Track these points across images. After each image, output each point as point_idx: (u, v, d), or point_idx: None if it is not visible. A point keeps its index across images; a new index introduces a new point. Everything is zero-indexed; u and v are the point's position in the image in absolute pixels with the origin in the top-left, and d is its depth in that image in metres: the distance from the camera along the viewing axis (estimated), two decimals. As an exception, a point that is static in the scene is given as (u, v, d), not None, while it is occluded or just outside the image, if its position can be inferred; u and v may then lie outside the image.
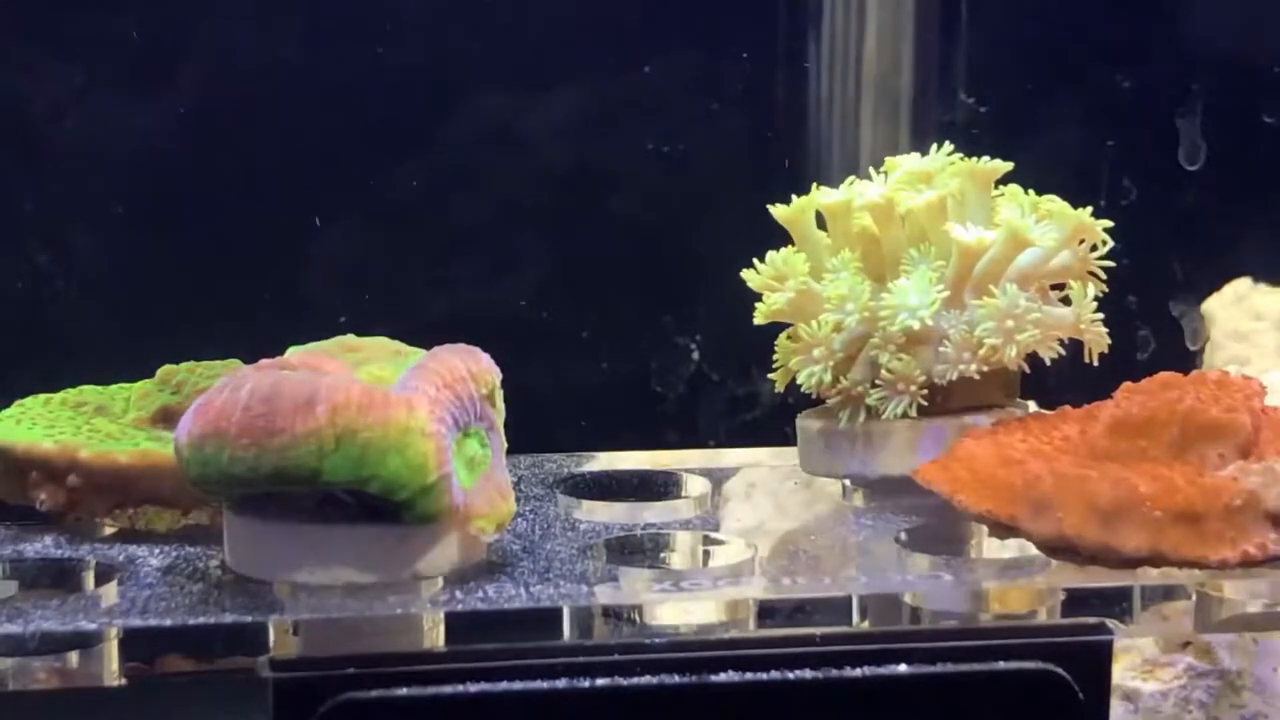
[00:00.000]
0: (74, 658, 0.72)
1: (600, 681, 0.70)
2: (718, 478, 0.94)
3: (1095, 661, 0.73)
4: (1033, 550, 0.78)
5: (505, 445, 0.80)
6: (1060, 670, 0.72)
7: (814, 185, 0.91)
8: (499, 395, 0.79)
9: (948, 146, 0.91)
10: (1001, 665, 0.72)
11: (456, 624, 0.74)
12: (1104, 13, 1.22)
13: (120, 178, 1.16)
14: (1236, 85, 1.22)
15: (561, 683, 0.70)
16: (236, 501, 0.76)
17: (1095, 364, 0.87)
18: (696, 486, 0.91)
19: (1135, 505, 0.74)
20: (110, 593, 0.75)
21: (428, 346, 0.80)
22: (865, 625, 0.77)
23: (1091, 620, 0.76)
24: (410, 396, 0.74)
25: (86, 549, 0.82)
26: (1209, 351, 1.11)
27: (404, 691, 0.69)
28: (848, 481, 0.91)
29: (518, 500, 0.81)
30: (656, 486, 0.92)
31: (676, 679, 0.71)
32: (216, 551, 0.80)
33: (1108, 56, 1.22)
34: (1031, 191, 0.89)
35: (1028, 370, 0.88)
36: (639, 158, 1.20)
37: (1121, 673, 1.00)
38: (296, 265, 1.18)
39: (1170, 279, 1.22)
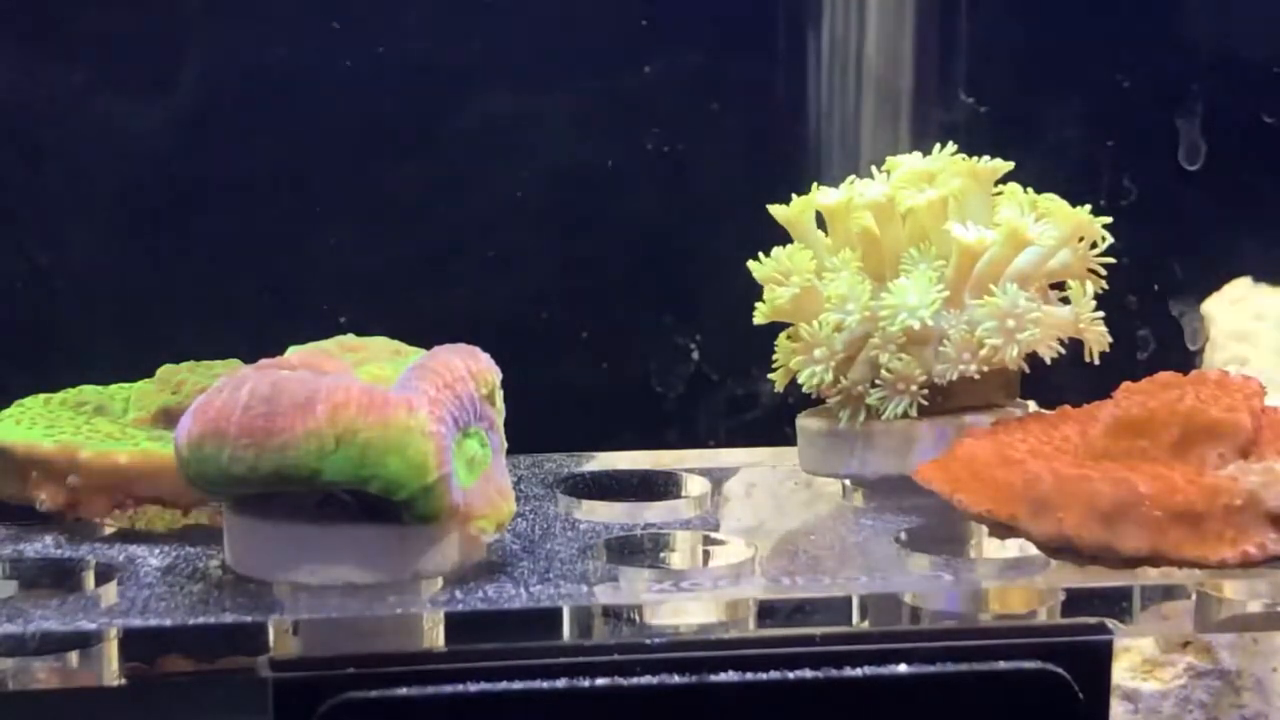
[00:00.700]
0: (74, 658, 0.72)
1: (600, 681, 0.70)
2: (718, 478, 0.94)
3: (1095, 661, 0.73)
4: (1033, 550, 0.78)
5: (505, 445, 0.80)
6: (1060, 670, 0.72)
7: (814, 185, 0.91)
8: (499, 395, 0.79)
9: (951, 146, 0.91)
10: (1001, 665, 0.72)
11: (456, 624, 0.74)
12: (1104, 13, 1.22)
13: (121, 178, 1.16)
14: (1236, 85, 1.22)
15: (561, 683, 0.70)
16: (236, 501, 0.76)
17: (1095, 363, 0.87)
18: (696, 486, 0.91)
19: (1135, 505, 0.74)
20: (110, 593, 0.75)
21: (428, 346, 0.80)
22: (865, 625, 0.77)
23: (1091, 620, 0.76)
24: (410, 396, 0.74)
25: (86, 549, 0.82)
26: (1209, 351, 1.11)
27: (404, 691, 0.69)
28: (848, 481, 0.91)
29: (518, 500, 0.81)
30: (656, 486, 0.92)
31: (676, 679, 0.71)
32: (216, 551, 0.80)
33: (1108, 56, 1.22)
34: (1030, 190, 0.89)
35: (1028, 370, 0.88)
36: (639, 158, 1.20)
37: (1121, 673, 1.00)
38: (296, 265, 1.18)
39: (1170, 279, 1.22)
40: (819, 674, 0.71)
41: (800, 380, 0.89)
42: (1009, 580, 0.78)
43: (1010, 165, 0.89)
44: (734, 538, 0.83)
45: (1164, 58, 1.22)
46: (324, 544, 0.74)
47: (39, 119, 1.15)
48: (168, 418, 0.87)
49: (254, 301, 1.17)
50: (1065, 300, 0.88)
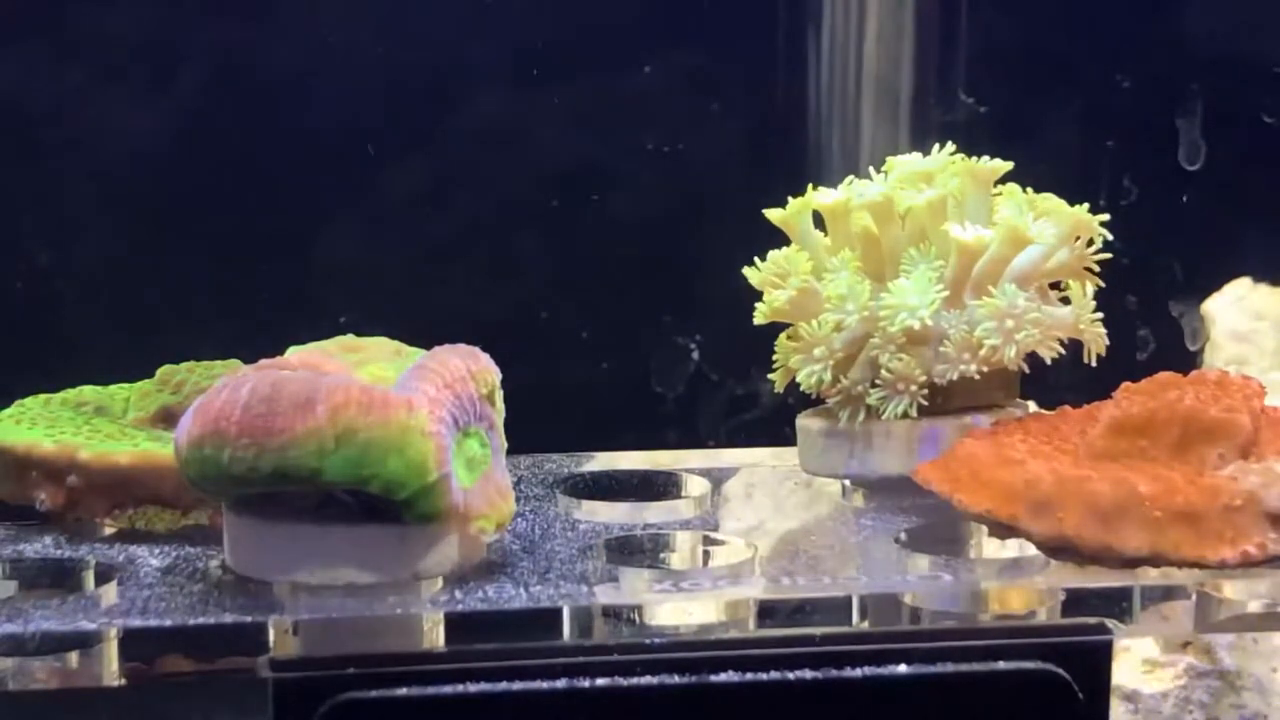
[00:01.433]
0: (74, 658, 0.72)
1: (600, 681, 0.70)
2: (718, 478, 0.94)
3: (1095, 661, 0.73)
4: (1033, 550, 0.78)
5: (505, 445, 0.80)
6: (1060, 670, 0.72)
7: (810, 186, 0.91)
8: (499, 395, 0.79)
9: (950, 147, 0.91)
10: (1001, 665, 0.72)
11: (456, 624, 0.74)
12: (1104, 13, 1.22)
13: (121, 178, 1.16)
14: (1236, 85, 1.22)
15: (561, 683, 0.70)
16: (236, 501, 0.76)
17: (1094, 364, 0.87)
18: (696, 486, 0.91)
19: (1135, 505, 0.74)
20: (110, 593, 0.75)
21: (428, 346, 0.80)
22: (865, 625, 0.77)
23: (1091, 620, 0.76)
24: (410, 396, 0.74)
25: (86, 549, 0.82)
26: (1209, 351, 1.11)
27: (404, 691, 0.69)
28: (848, 481, 0.91)
29: (518, 500, 0.81)
30: (656, 486, 0.92)
31: (676, 679, 0.71)
32: (216, 551, 0.80)
33: (1108, 56, 1.22)
34: (1029, 190, 0.89)
35: (1027, 370, 0.88)
36: (639, 158, 1.20)
37: (1121, 673, 1.00)
38: (296, 265, 1.18)
39: (1170, 279, 1.22)
40: (819, 674, 0.71)
41: (800, 380, 0.89)
42: (1009, 580, 0.78)
43: (1009, 165, 0.89)
44: (734, 538, 0.83)
45: (1164, 58, 1.22)
46: (324, 544, 0.74)
47: (39, 119, 1.15)
48: (168, 418, 0.87)
49: (254, 301, 1.17)
50: (1065, 300, 0.88)
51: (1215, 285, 1.14)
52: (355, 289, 1.18)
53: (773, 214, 0.91)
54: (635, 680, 0.70)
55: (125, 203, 1.16)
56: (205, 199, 1.16)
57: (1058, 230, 0.87)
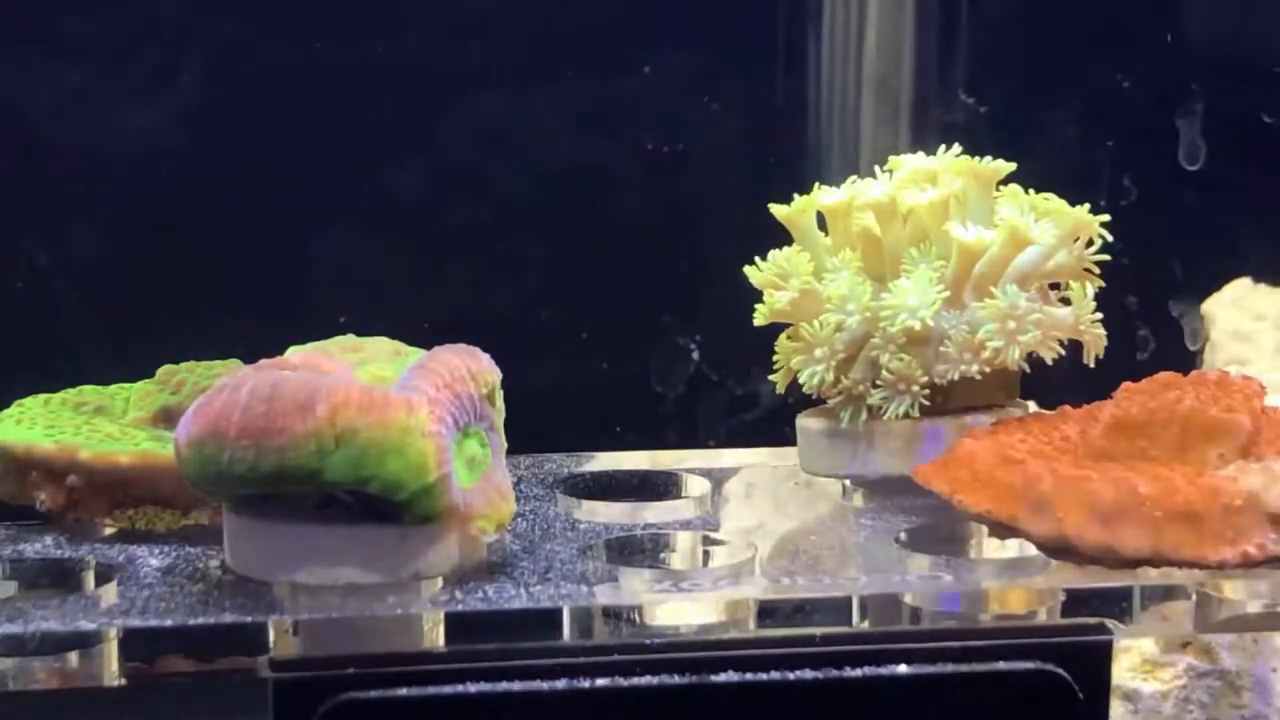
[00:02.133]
0: (74, 658, 0.72)
1: (600, 681, 0.70)
2: (718, 478, 0.94)
3: (1095, 661, 0.73)
4: (1033, 550, 0.78)
5: (505, 445, 0.80)
6: (1060, 670, 0.72)
7: (815, 185, 0.91)
8: (499, 395, 0.79)
9: (956, 148, 0.90)
10: (1001, 665, 0.72)
11: (456, 624, 0.74)
12: (1104, 13, 1.22)
13: (120, 177, 1.16)
14: (1236, 85, 1.22)
15: (561, 683, 0.70)
16: (236, 501, 0.76)
17: (1094, 365, 0.87)
18: (696, 487, 0.91)
19: (1135, 505, 0.74)
20: (110, 593, 0.75)
21: (428, 346, 0.80)
22: (865, 625, 0.77)
23: (1091, 620, 0.76)
24: (410, 396, 0.74)
25: (86, 549, 0.82)
26: (1209, 351, 1.11)
27: (404, 691, 0.69)
28: (848, 481, 0.91)
29: (518, 500, 0.81)
30: (656, 486, 0.92)
31: (676, 679, 0.71)
32: (216, 551, 0.80)
33: (1108, 56, 1.22)
34: (1030, 191, 0.89)
35: (1028, 370, 0.88)
36: (639, 158, 1.20)
37: (1121, 673, 1.00)
38: (296, 265, 1.18)
39: (1170, 279, 1.22)
40: (819, 674, 0.71)
41: (800, 380, 0.89)
42: (1009, 580, 0.78)
43: (1012, 166, 0.89)
44: (734, 538, 0.83)
45: (1164, 58, 1.22)
46: (324, 544, 0.74)
47: (39, 119, 1.15)
48: (168, 418, 0.87)
49: (254, 301, 1.17)
50: (1065, 300, 0.88)
51: (1215, 285, 1.14)
52: (355, 289, 1.18)
53: (778, 210, 0.91)
54: (635, 680, 0.70)
55: (125, 203, 1.16)
56: (205, 199, 1.16)
57: (1058, 231, 0.87)
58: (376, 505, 0.74)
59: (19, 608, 0.73)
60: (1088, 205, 0.88)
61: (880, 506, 0.88)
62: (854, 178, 0.91)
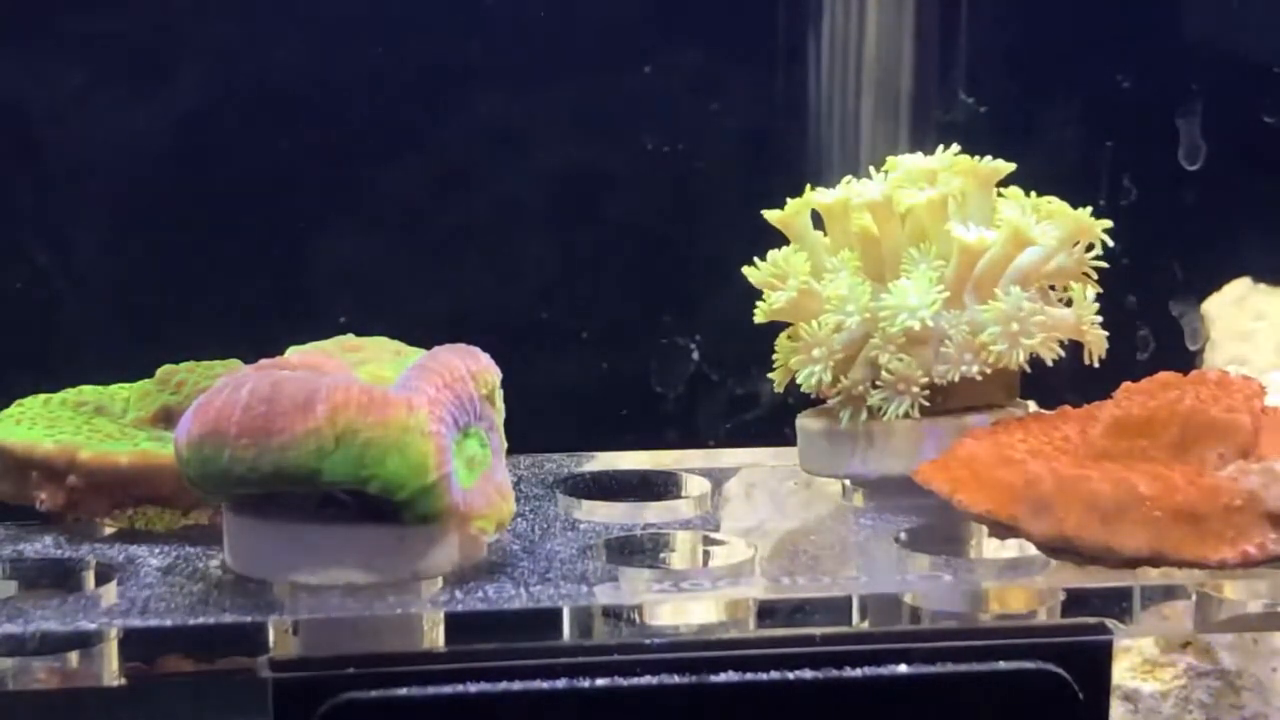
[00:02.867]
0: (74, 658, 0.72)
1: (600, 681, 0.70)
2: (718, 478, 0.94)
3: (1095, 661, 0.73)
4: (1033, 550, 0.78)
5: (505, 445, 0.80)
6: (1060, 670, 0.72)
7: (808, 187, 0.91)
8: (499, 395, 0.79)
9: (955, 147, 0.90)
10: (1001, 665, 0.72)
11: (456, 624, 0.74)
12: (1104, 13, 1.22)
13: (120, 178, 1.16)
14: (1236, 85, 1.22)
15: (561, 683, 0.70)
16: (236, 501, 0.76)
17: (1095, 365, 0.87)
18: (696, 486, 0.91)
19: (1135, 505, 0.74)
20: (110, 593, 0.75)
21: (428, 346, 0.80)
22: (865, 625, 0.77)
23: (1091, 620, 0.76)
24: (410, 396, 0.74)
25: (86, 549, 0.82)
26: (1209, 351, 1.11)
27: (404, 691, 0.69)
28: (848, 481, 0.91)
29: (518, 500, 0.81)
30: (656, 486, 0.92)
31: (676, 679, 0.71)
32: (216, 551, 0.80)
33: (1108, 56, 1.22)
34: (1033, 193, 0.89)
35: (1028, 370, 0.88)
36: (639, 158, 1.20)
37: (1121, 673, 1.00)
38: (296, 265, 1.18)
39: (1170, 279, 1.22)
40: (819, 674, 0.71)
41: (799, 381, 0.89)
42: (1009, 580, 0.78)
43: (1011, 166, 0.89)
44: (734, 538, 0.83)
45: (1164, 58, 1.22)
46: (324, 544, 0.74)
47: (39, 119, 1.15)
48: (168, 418, 0.87)
49: (254, 301, 1.17)
50: (1065, 302, 0.88)
51: (1215, 285, 1.14)
52: (355, 289, 1.18)
53: (772, 215, 0.91)
54: (635, 680, 0.70)
55: (125, 203, 1.16)
56: (205, 199, 1.16)
57: (1060, 233, 0.87)
58: (376, 505, 0.74)
59: (19, 608, 0.73)
60: (1090, 209, 0.88)
61: (880, 506, 0.88)
62: (849, 178, 0.91)
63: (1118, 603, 0.77)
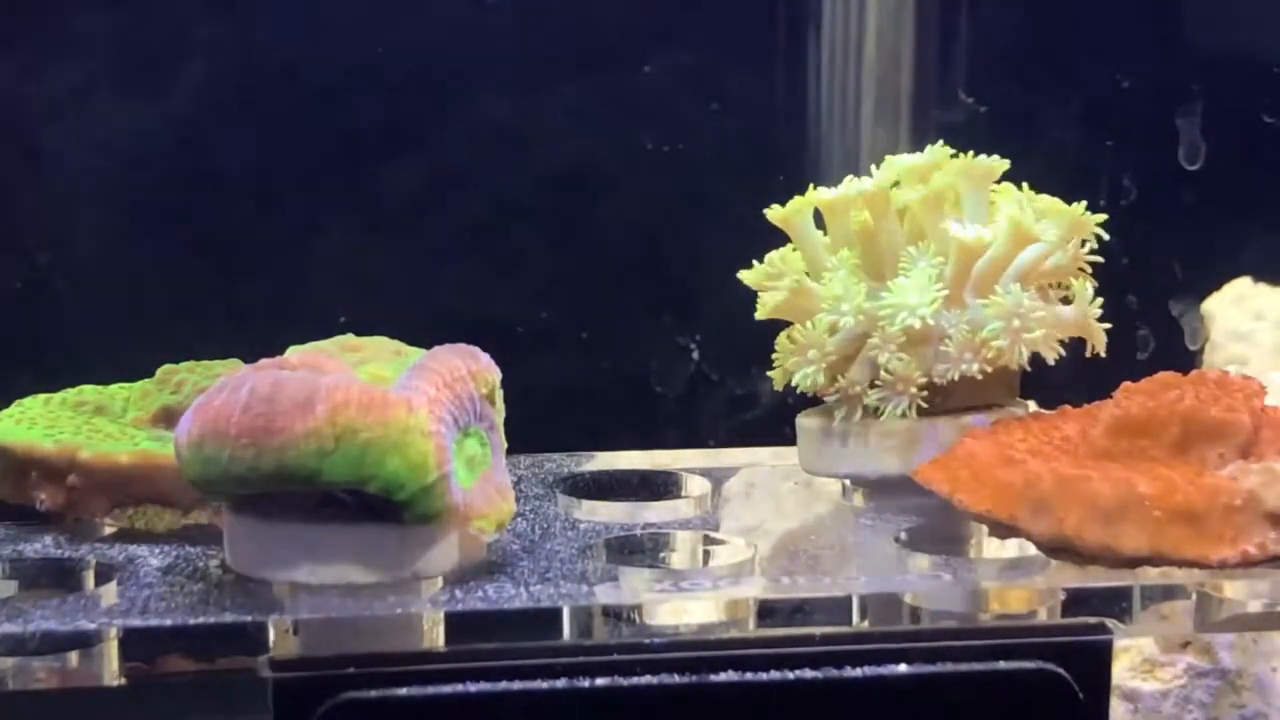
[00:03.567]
0: (74, 658, 0.72)
1: (600, 681, 0.70)
2: (718, 478, 0.94)
3: (1095, 661, 0.73)
4: (1033, 550, 0.78)
5: (505, 445, 0.80)
6: (1060, 670, 0.72)
7: (810, 186, 0.91)
8: (499, 395, 0.79)
9: (940, 142, 0.90)
10: (1001, 665, 0.72)
11: (456, 624, 0.74)
12: (1104, 13, 1.22)
13: (119, 178, 1.16)
14: (1236, 85, 1.22)
15: (561, 683, 0.70)
16: (236, 501, 0.76)
17: (1100, 356, 0.87)
18: (696, 486, 0.91)
19: (1135, 505, 0.74)
20: (110, 593, 0.75)
21: (428, 346, 0.80)
22: (865, 625, 0.77)
23: (1091, 620, 0.76)
24: (410, 396, 0.74)
25: (86, 549, 0.82)
26: (1209, 351, 1.11)
27: (404, 691, 0.69)
28: (848, 481, 0.91)
29: (518, 500, 0.81)
30: (656, 486, 0.92)
31: (676, 679, 0.71)
32: (216, 551, 0.80)
33: (1108, 56, 1.22)
34: (1025, 188, 0.89)
35: (1028, 369, 0.88)
36: (639, 158, 1.20)
37: (1121, 673, 1.00)
38: (296, 265, 1.18)
39: (1170, 279, 1.22)
40: (819, 674, 0.71)
41: (794, 382, 0.89)
42: (1009, 580, 0.78)
43: (1006, 164, 0.89)
44: (734, 537, 0.83)
45: (1164, 58, 1.22)
46: (324, 544, 0.74)
47: (39, 119, 1.15)
48: (168, 418, 0.87)
49: (254, 301, 1.17)
50: (1064, 300, 0.88)
51: (1215, 285, 1.14)
52: (355, 289, 1.18)
53: (772, 213, 0.91)
54: (635, 680, 0.70)
55: (125, 203, 1.16)
56: (205, 198, 1.16)
57: (1059, 230, 0.87)
58: (376, 505, 0.74)
59: (19, 608, 0.73)
60: (1084, 204, 0.88)
61: (880, 506, 0.88)
62: (849, 176, 0.91)
63: (1118, 603, 0.77)
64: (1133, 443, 0.79)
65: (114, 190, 1.16)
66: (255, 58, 1.16)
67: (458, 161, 1.18)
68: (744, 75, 1.20)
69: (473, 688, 0.70)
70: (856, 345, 0.88)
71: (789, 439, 0.93)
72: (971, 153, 0.89)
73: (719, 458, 0.99)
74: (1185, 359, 1.17)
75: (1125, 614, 0.77)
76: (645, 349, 1.21)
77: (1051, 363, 0.87)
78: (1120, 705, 1.00)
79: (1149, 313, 1.21)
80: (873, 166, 0.91)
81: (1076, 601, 0.77)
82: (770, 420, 1.16)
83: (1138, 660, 1.01)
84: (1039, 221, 0.87)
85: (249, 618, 0.72)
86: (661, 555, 0.82)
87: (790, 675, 0.71)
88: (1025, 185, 0.89)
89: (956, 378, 0.86)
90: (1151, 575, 0.76)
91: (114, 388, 0.92)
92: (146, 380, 0.91)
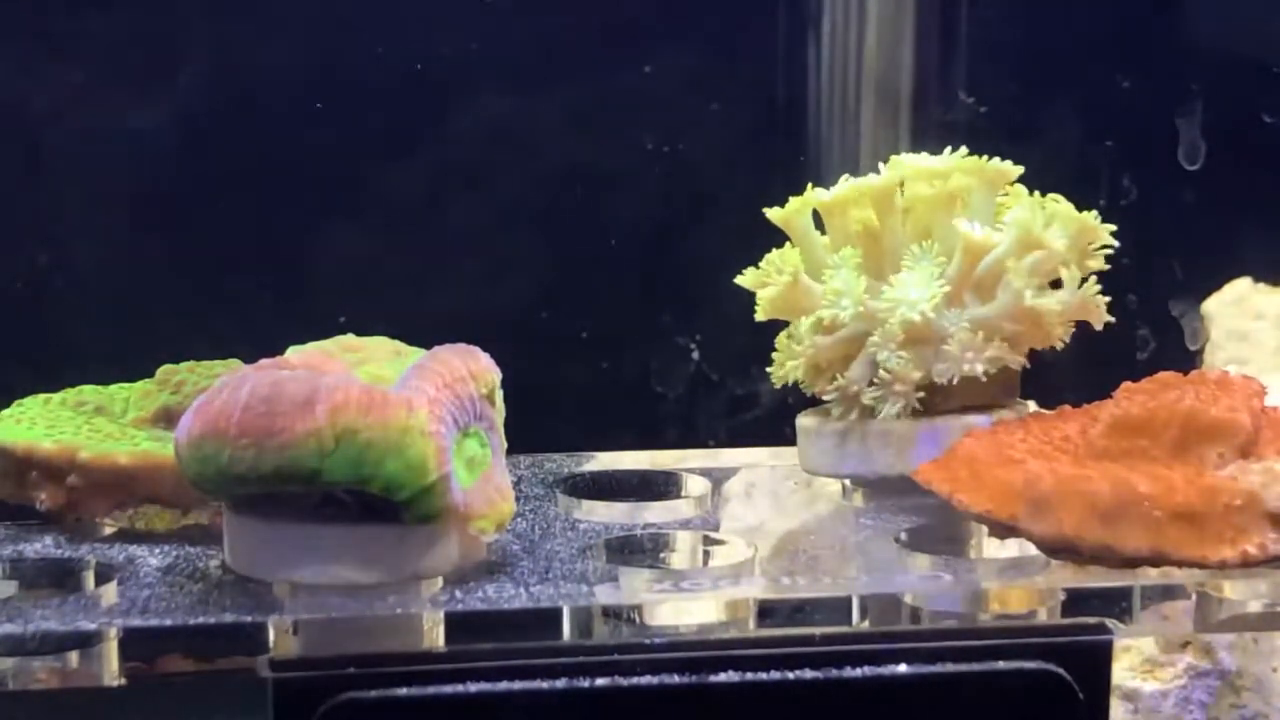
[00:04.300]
0: (74, 658, 0.72)
1: (600, 681, 0.70)
2: (718, 478, 0.94)
3: (1095, 661, 0.73)
4: (1033, 550, 0.78)
5: (505, 445, 0.80)
6: (1060, 670, 0.72)
7: (809, 186, 0.91)
8: (499, 395, 0.79)
9: (962, 150, 0.90)
10: (1001, 665, 0.72)
11: (456, 624, 0.74)
12: (1104, 13, 1.22)
13: (120, 177, 1.16)
14: (1236, 85, 1.22)
15: (561, 683, 0.70)
16: (236, 501, 0.76)
17: (1097, 345, 0.87)
18: (696, 486, 0.91)
19: (1135, 505, 0.74)
20: (110, 593, 0.75)
21: (428, 346, 0.80)
22: (865, 625, 0.77)
23: (1091, 620, 0.76)
24: (410, 396, 0.74)
25: (86, 549, 0.82)
26: (1209, 351, 1.11)
27: (404, 691, 0.69)
28: (848, 481, 0.91)
29: (518, 500, 0.81)
30: (656, 486, 0.92)
31: (676, 679, 0.71)
32: (216, 551, 0.80)
33: (1108, 56, 1.22)
34: (1036, 193, 0.89)
35: (1029, 366, 0.88)
36: (639, 158, 1.20)
37: (1121, 673, 1.00)
38: (296, 265, 1.18)
39: (1170, 279, 1.22)
40: (819, 674, 0.71)
41: (772, 375, 0.89)
42: (1009, 580, 0.78)
43: (1020, 170, 0.89)
44: (734, 538, 0.83)
45: (1164, 58, 1.22)
46: (324, 544, 0.74)
47: (39, 118, 1.15)
48: (168, 418, 0.87)
49: (254, 301, 1.17)
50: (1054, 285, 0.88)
51: (1215, 285, 1.14)
52: (355, 289, 1.18)
53: (773, 213, 0.91)
54: (635, 680, 0.70)
55: (125, 203, 1.16)
56: (205, 198, 1.16)
57: (1067, 235, 0.87)
58: (376, 505, 0.74)
59: (19, 608, 0.73)
60: (1095, 212, 0.88)
61: (880, 506, 0.88)
62: (847, 176, 0.91)
63: (1118, 602, 0.77)
64: (1133, 443, 0.79)
65: (114, 190, 1.16)
66: (256, 57, 1.16)
67: (458, 161, 1.18)
68: (744, 75, 1.20)
69: (473, 688, 0.70)
70: (858, 344, 0.88)
71: (789, 439, 0.93)
72: (984, 157, 0.89)
73: (719, 458, 0.99)
74: (1185, 359, 1.17)
75: (1125, 614, 0.77)
76: (645, 349, 1.21)
77: (1059, 346, 0.87)
78: (1120, 705, 1.00)
79: (1149, 313, 1.21)
80: (880, 164, 0.91)
81: (1076, 601, 0.77)
82: (770, 420, 1.16)
83: (1138, 660, 1.01)
84: (1048, 227, 0.87)
85: (249, 618, 0.72)
86: (661, 555, 0.82)
87: (790, 675, 0.71)
88: (1026, 185, 0.89)
89: (957, 378, 0.86)
90: (1151, 575, 0.76)
91: (114, 388, 0.92)
92: (146, 380, 0.91)
